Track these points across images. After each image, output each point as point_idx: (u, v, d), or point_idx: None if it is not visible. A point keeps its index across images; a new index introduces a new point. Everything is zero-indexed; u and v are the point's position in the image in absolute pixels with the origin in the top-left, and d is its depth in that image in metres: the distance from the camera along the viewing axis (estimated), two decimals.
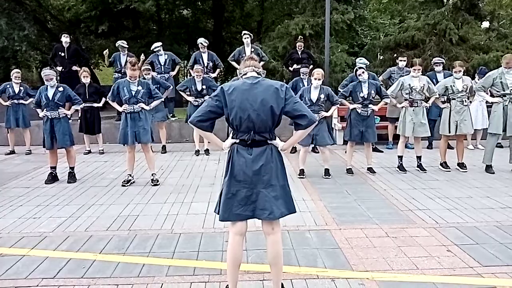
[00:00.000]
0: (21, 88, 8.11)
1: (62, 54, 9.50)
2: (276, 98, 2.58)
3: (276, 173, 2.65)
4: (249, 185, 2.61)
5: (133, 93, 5.58)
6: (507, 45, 11.99)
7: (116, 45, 9.31)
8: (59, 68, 9.58)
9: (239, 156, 2.63)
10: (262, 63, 8.98)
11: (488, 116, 7.31)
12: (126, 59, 9.08)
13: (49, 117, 5.76)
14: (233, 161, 2.64)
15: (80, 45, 15.51)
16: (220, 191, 2.74)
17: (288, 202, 2.69)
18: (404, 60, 8.38)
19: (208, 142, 7.89)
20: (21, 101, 8.08)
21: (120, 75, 9.04)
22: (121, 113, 5.81)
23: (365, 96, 6.05)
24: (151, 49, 9.24)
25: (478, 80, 8.08)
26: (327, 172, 6.12)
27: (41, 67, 17.19)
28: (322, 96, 5.93)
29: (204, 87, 7.62)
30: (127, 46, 9.27)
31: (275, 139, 2.70)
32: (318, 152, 7.15)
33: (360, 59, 7.40)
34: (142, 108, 5.68)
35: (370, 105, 6.10)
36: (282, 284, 2.79)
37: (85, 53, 11.63)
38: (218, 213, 2.75)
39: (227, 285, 2.77)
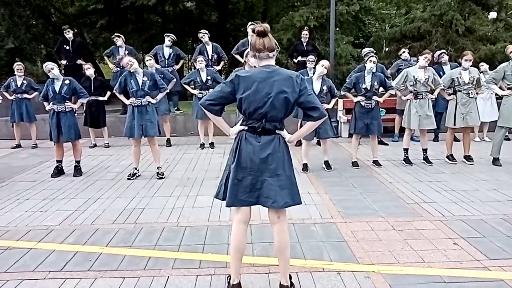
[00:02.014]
0: (24, 81, 8.09)
1: (67, 48, 9.49)
2: (292, 88, 2.56)
3: (283, 163, 2.64)
4: (255, 172, 2.61)
5: (140, 85, 5.57)
6: None
7: (112, 37, 9.25)
8: (64, 62, 9.60)
9: (247, 143, 2.62)
10: None
11: (498, 109, 7.24)
12: (124, 52, 9.06)
13: (56, 110, 5.76)
14: (240, 148, 2.64)
15: (85, 38, 15.51)
16: (226, 175, 2.71)
17: (293, 193, 2.67)
18: (404, 51, 8.38)
19: (213, 135, 7.89)
20: (25, 95, 8.07)
21: (118, 68, 9.02)
22: (127, 106, 5.80)
23: (368, 88, 6.00)
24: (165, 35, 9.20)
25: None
26: (328, 164, 6.11)
27: (46, 61, 17.26)
28: (325, 88, 5.92)
29: (209, 78, 7.61)
30: (123, 42, 9.18)
31: (283, 130, 2.69)
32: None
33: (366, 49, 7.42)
34: (149, 101, 5.68)
35: (374, 97, 6.06)
36: (290, 276, 2.79)
37: (90, 47, 11.63)
38: (219, 198, 2.74)
39: (229, 275, 2.77)
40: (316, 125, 2.67)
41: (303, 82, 2.61)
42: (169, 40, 9.02)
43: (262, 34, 2.59)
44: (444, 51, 8.31)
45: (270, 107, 2.55)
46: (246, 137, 2.64)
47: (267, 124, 2.60)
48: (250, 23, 8.97)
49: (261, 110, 2.56)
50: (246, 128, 2.65)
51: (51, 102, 5.78)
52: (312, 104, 2.59)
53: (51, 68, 5.68)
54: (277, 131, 2.66)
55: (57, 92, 5.72)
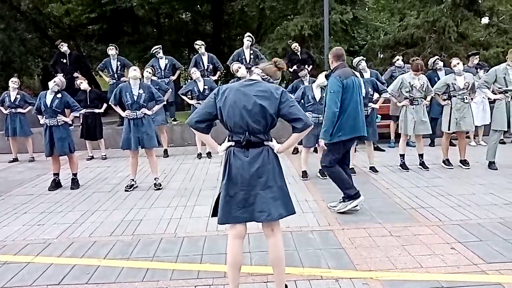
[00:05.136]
0: (18, 96, 8.08)
1: (64, 61, 9.53)
2: (269, 100, 2.57)
3: (273, 175, 2.64)
4: (247, 187, 2.61)
5: (135, 98, 5.58)
6: (507, 40, 11.93)
7: (107, 50, 9.30)
8: (60, 75, 9.63)
9: (236, 159, 2.62)
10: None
11: (491, 112, 7.30)
12: (117, 64, 9.10)
13: (48, 124, 5.77)
14: (230, 164, 2.64)
15: (81, 52, 15.58)
16: (218, 194, 2.73)
17: (287, 203, 2.68)
18: (399, 59, 8.55)
19: None
20: (19, 109, 8.07)
21: (114, 81, 9.05)
22: (124, 118, 5.81)
23: (364, 95, 6.04)
24: (151, 51, 9.26)
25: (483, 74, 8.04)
26: (322, 172, 6.11)
27: (43, 74, 17.30)
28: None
29: (206, 87, 7.66)
30: (116, 52, 9.23)
31: (271, 141, 2.70)
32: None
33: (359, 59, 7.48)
34: (145, 113, 5.69)
35: (370, 104, 6.10)
36: (286, 286, 2.79)
37: (86, 60, 11.68)
38: (214, 217, 2.75)
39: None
40: (302, 136, 2.69)
41: (284, 94, 2.61)
42: (158, 52, 9.07)
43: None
44: (438, 57, 8.42)
45: (249, 120, 2.56)
46: (234, 153, 2.64)
47: (252, 137, 2.60)
48: (247, 34, 9.06)
49: (241, 123, 2.57)
50: (232, 143, 2.65)
51: (44, 116, 5.79)
52: (295, 116, 2.58)
53: (58, 86, 5.74)
54: (265, 143, 2.65)
55: (49, 106, 5.72)
